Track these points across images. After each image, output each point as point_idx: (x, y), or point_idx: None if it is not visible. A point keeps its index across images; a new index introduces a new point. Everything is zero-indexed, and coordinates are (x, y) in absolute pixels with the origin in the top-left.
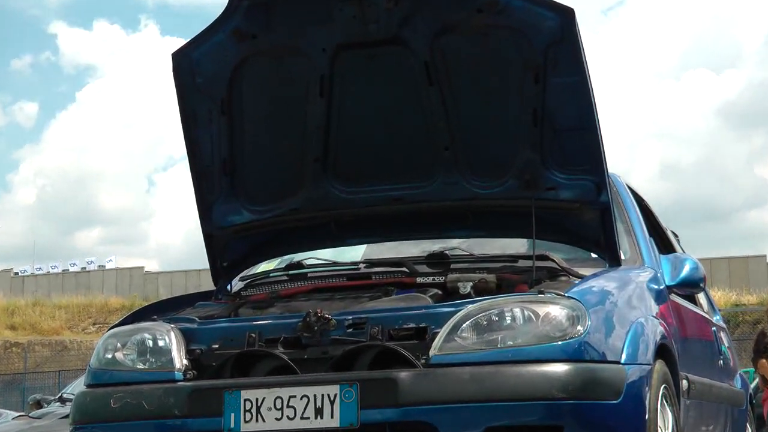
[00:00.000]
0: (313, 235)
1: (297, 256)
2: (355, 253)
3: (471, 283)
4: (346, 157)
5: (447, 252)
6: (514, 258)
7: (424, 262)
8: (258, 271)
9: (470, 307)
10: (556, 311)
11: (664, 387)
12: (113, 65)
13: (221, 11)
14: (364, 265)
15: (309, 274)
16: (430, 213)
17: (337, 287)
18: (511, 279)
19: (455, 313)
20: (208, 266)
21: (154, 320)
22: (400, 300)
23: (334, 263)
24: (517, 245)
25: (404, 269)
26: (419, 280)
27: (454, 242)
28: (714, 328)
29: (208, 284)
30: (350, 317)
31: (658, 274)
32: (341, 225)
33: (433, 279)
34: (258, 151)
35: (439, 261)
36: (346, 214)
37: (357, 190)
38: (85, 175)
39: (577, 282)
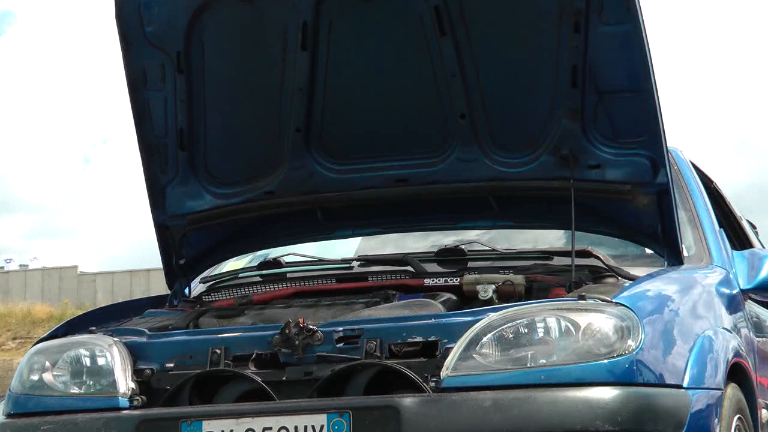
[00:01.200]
0: (293, 225)
1: (273, 252)
2: (346, 249)
3: (493, 286)
4: (336, 127)
5: (463, 247)
6: (548, 254)
7: (434, 259)
8: (224, 270)
9: (493, 316)
10: (600, 321)
11: (738, 418)
12: (36, 10)
13: None
14: (359, 263)
15: (288, 275)
16: (441, 197)
17: (324, 291)
18: (544, 281)
19: (473, 323)
20: (160, 265)
21: (92, 332)
22: (403, 307)
23: (321, 261)
24: (551, 238)
25: (409, 268)
26: (428, 282)
27: (472, 234)
28: None
29: (160, 287)
30: (341, 329)
31: (731, 275)
32: (329, 212)
33: (446, 281)
34: (224, 119)
35: (453, 258)
36: (336, 198)
37: (349, 168)
38: (1, 151)
39: (627, 285)
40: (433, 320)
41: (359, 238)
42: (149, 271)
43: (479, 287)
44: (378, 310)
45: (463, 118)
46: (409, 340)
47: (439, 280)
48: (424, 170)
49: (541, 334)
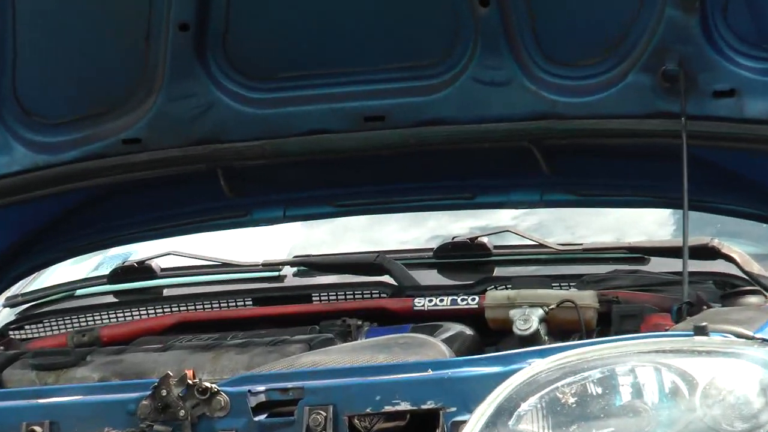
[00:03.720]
0: (175, 201)
1: (138, 251)
2: (273, 244)
3: (540, 311)
4: (252, 22)
5: (485, 240)
6: (639, 253)
7: (434, 262)
8: (48, 284)
9: (539, 364)
10: (735, 375)
11: None
12: None
13: None
14: (295, 269)
15: (166, 291)
16: (446, 150)
17: (232, 320)
18: (632, 300)
19: (504, 377)
20: None
21: None
22: (376, 349)
23: (225, 265)
24: (645, 225)
25: (386, 279)
26: (420, 303)
27: (503, 217)
28: None
29: None
30: (262, 388)
31: None
32: (240, 178)
33: (454, 301)
34: (50, 14)
35: (467, 260)
36: (252, 151)
37: (277, 96)
38: None
39: None
40: (430, 373)
41: (296, 225)
42: None
43: (515, 313)
44: (331, 354)
45: (484, 5)
46: (388, 408)
47: (441, 301)
48: (414, 100)
49: (627, 398)
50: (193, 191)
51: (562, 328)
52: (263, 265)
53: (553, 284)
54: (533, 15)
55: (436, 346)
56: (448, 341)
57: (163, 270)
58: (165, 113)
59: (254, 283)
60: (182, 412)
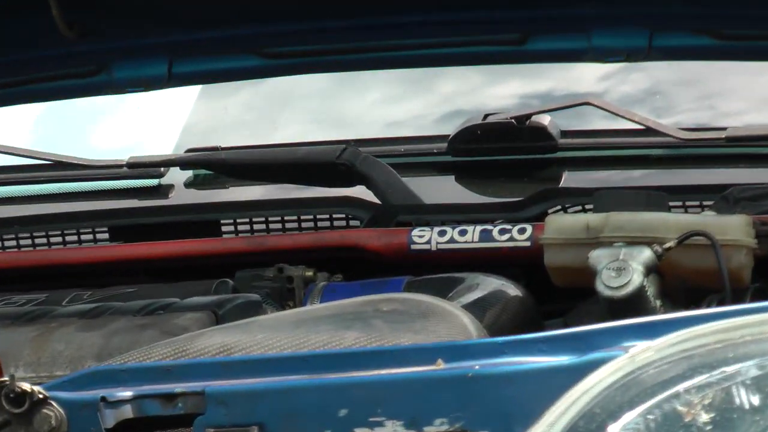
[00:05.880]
0: None
1: None
2: (147, 130)
3: (648, 253)
4: None
5: (543, 122)
6: None
7: (449, 159)
8: None
9: (644, 352)
10: None
11: None
12: None
13: None
14: (189, 176)
15: None
16: None
17: (71, 267)
18: None
19: (580, 374)
20: None
21: None
22: (341, 320)
23: (62, 166)
24: None
25: (360, 193)
26: (421, 238)
27: (579, 77)
28: None
29: None
30: (126, 394)
31: None
32: (89, 2)
33: (486, 233)
34: None
35: (511, 156)
36: None
37: None
38: None
39: None
40: (441, 366)
41: (191, 92)
42: None
43: (601, 257)
44: (255, 331)
45: None
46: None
47: (462, 233)
48: None
49: None
50: (4, 28)
51: (688, 285)
52: (129, 165)
53: (670, 203)
54: None
55: (451, 317)
56: (473, 308)
57: None
58: None
59: (113, 199)
60: None
